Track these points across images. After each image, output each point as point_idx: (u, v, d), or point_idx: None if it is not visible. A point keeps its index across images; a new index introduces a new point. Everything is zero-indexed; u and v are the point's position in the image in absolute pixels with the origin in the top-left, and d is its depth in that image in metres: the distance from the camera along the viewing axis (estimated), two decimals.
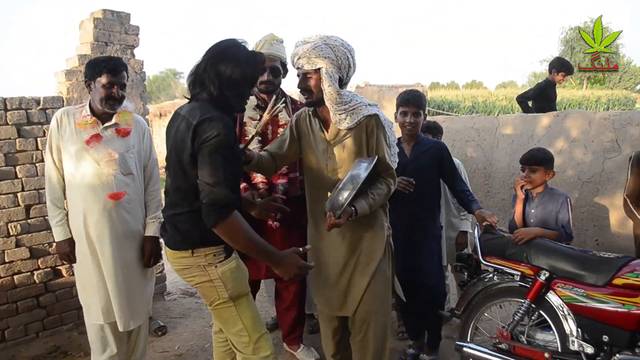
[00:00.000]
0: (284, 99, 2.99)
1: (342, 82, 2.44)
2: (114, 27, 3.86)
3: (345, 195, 2.23)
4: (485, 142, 5.16)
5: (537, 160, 3.04)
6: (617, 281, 2.40)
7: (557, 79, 5.69)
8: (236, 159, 2.13)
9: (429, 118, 4.11)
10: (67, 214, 2.82)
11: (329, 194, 2.47)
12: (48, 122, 3.63)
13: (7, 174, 3.53)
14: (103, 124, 2.74)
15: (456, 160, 3.63)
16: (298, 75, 2.48)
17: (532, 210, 3.03)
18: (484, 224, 2.85)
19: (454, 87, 49.18)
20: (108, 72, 2.62)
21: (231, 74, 2.07)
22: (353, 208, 2.27)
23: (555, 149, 4.63)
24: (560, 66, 5.66)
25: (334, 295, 2.58)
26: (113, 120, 2.75)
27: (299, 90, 2.50)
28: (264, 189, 3.01)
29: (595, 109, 22.26)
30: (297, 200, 2.96)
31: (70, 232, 2.81)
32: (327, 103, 2.40)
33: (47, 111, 3.66)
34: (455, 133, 5.32)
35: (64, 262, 2.92)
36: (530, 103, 6.00)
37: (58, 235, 2.80)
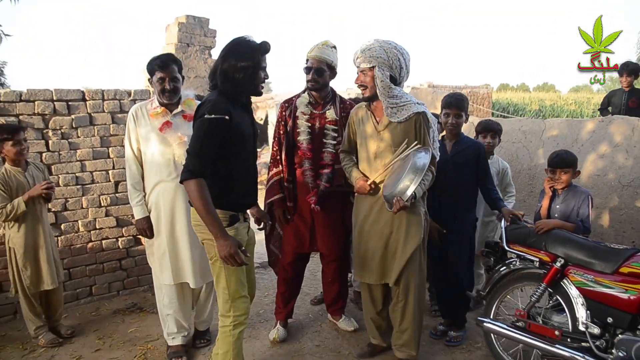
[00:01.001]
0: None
1: (396, 82, 2.89)
2: (195, 30, 4.45)
3: (408, 183, 2.69)
4: (532, 144, 5.39)
5: (567, 163, 3.29)
6: (624, 270, 2.66)
7: (622, 83, 5.76)
8: (230, 137, 2.44)
9: (484, 119, 4.39)
10: (144, 195, 3.24)
11: (377, 177, 2.97)
12: None
13: (102, 153, 4.19)
14: (171, 111, 3.15)
15: (504, 163, 3.94)
16: (357, 73, 2.94)
17: (557, 206, 3.32)
18: (512, 213, 3.20)
19: (524, 89, 47.92)
20: (159, 69, 3.05)
21: (229, 68, 2.43)
22: (414, 193, 2.72)
23: (598, 153, 4.83)
24: (622, 69, 5.71)
25: (376, 265, 3.06)
26: (179, 108, 3.17)
27: (357, 85, 2.96)
28: (310, 176, 3.41)
29: None
30: (340, 188, 3.44)
31: (148, 210, 3.23)
32: (380, 97, 2.86)
33: (136, 101, 4.26)
34: (503, 135, 5.53)
35: (145, 236, 3.32)
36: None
37: (138, 213, 3.24)
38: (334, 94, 3.52)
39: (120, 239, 4.37)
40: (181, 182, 2.40)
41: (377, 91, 2.86)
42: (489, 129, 3.90)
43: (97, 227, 4.24)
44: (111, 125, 4.19)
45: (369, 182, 2.97)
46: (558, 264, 2.90)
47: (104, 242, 4.29)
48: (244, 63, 2.43)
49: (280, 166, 3.45)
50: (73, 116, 4.00)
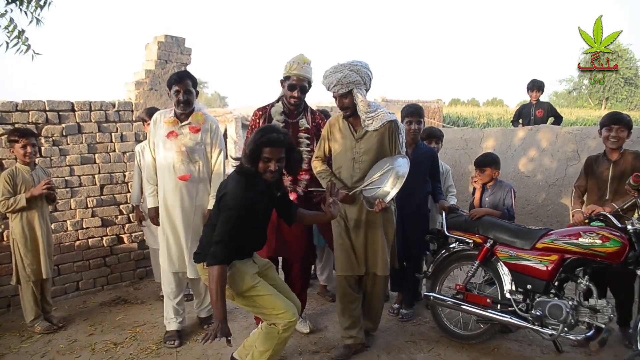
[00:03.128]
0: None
1: (366, 90, 3.28)
2: (173, 48, 4.92)
3: (390, 188, 3.09)
4: (472, 151, 6.09)
5: (485, 163, 3.98)
6: (539, 245, 3.30)
7: (531, 97, 6.60)
8: (248, 221, 2.71)
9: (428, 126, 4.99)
10: (157, 189, 3.64)
11: (352, 179, 3.34)
12: (121, 121, 4.73)
13: (88, 159, 4.61)
14: (181, 122, 3.54)
15: (446, 166, 4.54)
16: (335, 97, 3.29)
17: (487, 198, 3.97)
18: (446, 206, 3.83)
19: (474, 104, 49.83)
20: (175, 83, 3.46)
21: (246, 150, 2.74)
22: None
23: (528, 157, 5.56)
24: (531, 86, 6.56)
25: (359, 259, 3.44)
26: (188, 120, 3.55)
27: (339, 108, 3.33)
28: (289, 181, 3.64)
29: None
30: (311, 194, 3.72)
31: (158, 201, 3.63)
32: (359, 113, 3.26)
33: (120, 112, 4.73)
34: (447, 142, 6.25)
35: (153, 223, 3.75)
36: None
37: (150, 203, 3.68)
38: (305, 105, 3.79)
39: (104, 238, 4.77)
40: (207, 265, 2.66)
41: (357, 109, 3.24)
42: (432, 135, 4.46)
43: (84, 226, 4.64)
44: (97, 134, 4.61)
45: (350, 194, 3.27)
46: (488, 244, 3.51)
47: (90, 240, 4.68)
48: (247, 150, 2.75)
49: None
50: (63, 125, 4.42)
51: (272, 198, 2.93)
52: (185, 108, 3.52)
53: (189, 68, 5.12)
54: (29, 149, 3.72)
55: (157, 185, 3.66)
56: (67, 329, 3.99)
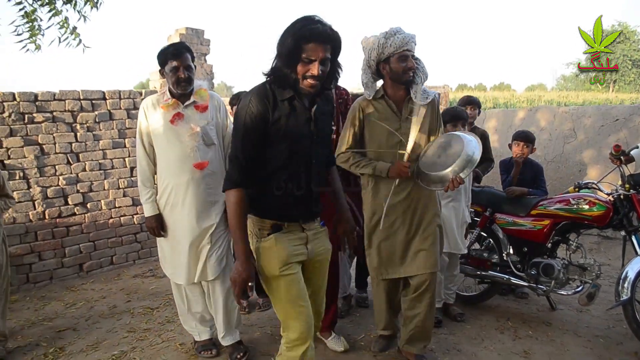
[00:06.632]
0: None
1: None
2: (193, 39, 5.28)
3: (464, 164, 2.62)
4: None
5: (532, 139, 4.10)
6: (533, 212, 3.66)
7: None
8: (270, 135, 1.97)
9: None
10: (155, 192, 3.00)
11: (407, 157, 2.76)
12: None
13: (119, 144, 5.00)
14: (183, 103, 2.89)
15: None
16: (401, 56, 2.68)
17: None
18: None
19: (481, 89, 49.82)
20: (172, 58, 2.80)
21: (279, 45, 1.94)
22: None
23: None
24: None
25: (399, 260, 2.92)
26: (192, 99, 2.91)
27: (404, 71, 2.70)
28: None
29: None
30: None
31: (159, 208, 2.99)
32: (418, 80, 2.75)
33: None
34: None
35: (153, 234, 3.07)
36: None
37: (147, 211, 3.00)
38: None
39: (135, 216, 5.18)
40: (223, 191, 2.04)
41: (417, 76, 2.76)
42: (459, 117, 4.61)
43: (117, 205, 5.04)
44: (127, 120, 5.01)
45: (405, 164, 2.72)
46: (487, 213, 3.87)
47: (122, 218, 5.09)
48: (281, 48, 1.93)
49: None
50: (96, 112, 4.81)
51: (310, 121, 2.07)
52: (186, 87, 2.88)
53: (208, 58, 5.48)
54: None
55: (154, 188, 3.05)
56: (105, 297, 4.39)
